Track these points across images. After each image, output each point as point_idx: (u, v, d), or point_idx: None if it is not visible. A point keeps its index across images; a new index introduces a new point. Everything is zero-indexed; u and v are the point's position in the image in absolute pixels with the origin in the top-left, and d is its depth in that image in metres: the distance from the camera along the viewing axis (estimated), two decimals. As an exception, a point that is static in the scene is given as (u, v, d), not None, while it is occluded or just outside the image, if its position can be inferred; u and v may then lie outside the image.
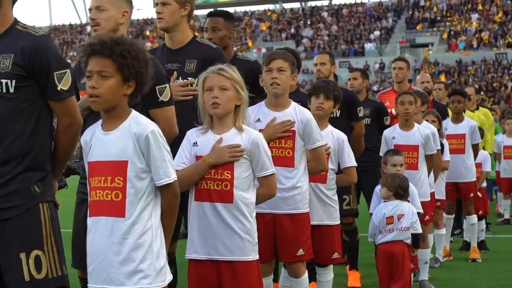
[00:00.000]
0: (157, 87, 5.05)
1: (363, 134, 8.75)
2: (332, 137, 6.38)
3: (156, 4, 5.81)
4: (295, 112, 5.76)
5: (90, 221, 3.88)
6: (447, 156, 9.59)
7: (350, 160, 6.43)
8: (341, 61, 61.99)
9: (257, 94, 6.39)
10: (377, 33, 65.48)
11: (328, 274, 6.49)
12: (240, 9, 76.43)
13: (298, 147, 5.72)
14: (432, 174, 8.58)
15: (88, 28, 76.26)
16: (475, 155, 10.59)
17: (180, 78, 5.77)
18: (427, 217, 8.23)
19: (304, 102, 7.69)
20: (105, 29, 5.16)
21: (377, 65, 60.57)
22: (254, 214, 4.76)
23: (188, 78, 5.71)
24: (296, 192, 5.70)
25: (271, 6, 76.73)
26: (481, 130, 11.25)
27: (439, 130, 9.45)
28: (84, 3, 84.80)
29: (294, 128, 5.72)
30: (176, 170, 4.67)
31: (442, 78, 55.69)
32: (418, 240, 7.23)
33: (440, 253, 9.88)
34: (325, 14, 70.74)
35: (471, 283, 8.74)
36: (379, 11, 69.08)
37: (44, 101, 4.27)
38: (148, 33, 73.74)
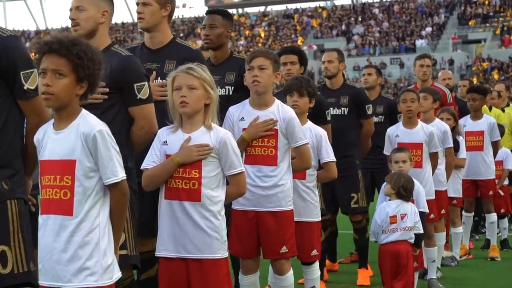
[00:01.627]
0: (135, 85, 5.10)
1: (373, 132, 8.75)
2: (310, 133, 6.39)
3: (137, 4, 5.84)
4: (278, 110, 5.80)
5: (41, 219, 3.94)
6: (462, 153, 9.50)
7: (328, 155, 6.44)
8: (392, 58, 61.74)
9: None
10: (428, 29, 64.93)
11: (313, 272, 6.51)
12: (291, 6, 76.40)
13: (281, 146, 5.76)
14: (439, 172, 8.52)
15: (141, 27, 76.88)
16: (495, 153, 10.45)
17: (159, 78, 5.79)
18: (432, 216, 8.16)
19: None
20: (85, 29, 5.19)
21: (428, 62, 59.92)
22: (223, 212, 4.79)
23: (167, 78, 5.74)
24: (279, 190, 5.74)
25: (322, 3, 76.69)
26: (501, 127, 11.08)
27: (454, 127, 9.39)
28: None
29: (276, 127, 5.75)
30: (146, 169, 4.81)
31: (495, 74, 55.09)
32: (420, 240, 7.16)
33: (457, 251, 9.79)
34: (376, 10, 70.36)
35: (482, 282, 8.66)
36: (430, 7, 68.49)
37: (13, 100, 4.37)
38: (199, 30, 74.04)
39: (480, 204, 10.81)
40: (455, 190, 9.48)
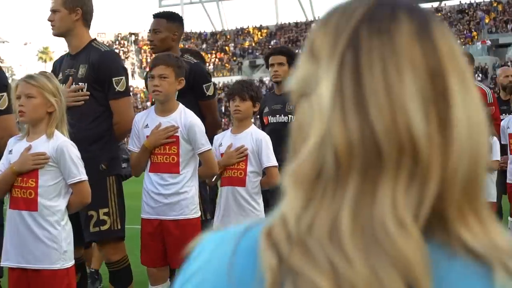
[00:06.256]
0: None
1: None
2: (250, 138, 6.15)
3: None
4: (180, 116, 5.65)
5: None
6: (496, 155, 8.92)
7: (269, 160, 6.14)
8: None
9: (198, 97, 6.31)
10: None
11: None
12: (465, 0, 74.40)
13: (183, 153, 5.61)
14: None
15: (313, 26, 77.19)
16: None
17: (74, 83, 5.78)
18: None
19: None
20: None
21: None
22: (63, 222, 4.70)
23: (79, 83, 5.74)
24: (182, 198, 5.58)
25: (497, -3, 74.25)
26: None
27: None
28: (310, 1, 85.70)
29: (177, 133, 5.60)
30: (-8, 178, 4.80)
31: None
32: None
33: (492, 259, 9.18)
34: (555, 2, 67.41)
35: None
36: None
37: None
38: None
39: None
40: (488, 194, 8.83)
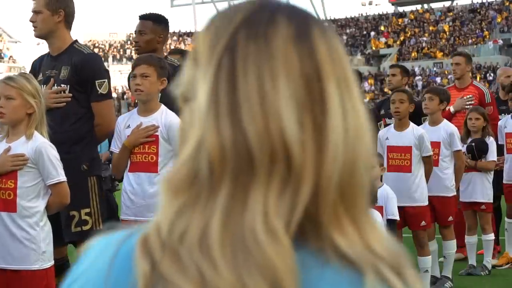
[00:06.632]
0: None
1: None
2: None
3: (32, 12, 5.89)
4: (161, 116, 5.64)
5: None
6: (492, 156, 8.90)
7: None
8: None
9: None
10: None
11: None
12: (477, 0, 74.23)
13: (162, 152, 5.59)
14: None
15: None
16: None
17: (56, 85, 5.79)
18: (423, 223, 7.71)
19: None
20: None
21: None
22: (42, 223, 4.74)
23: (62, 84, 5.74)
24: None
25: (509, -4, 74.04)
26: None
27: (484, 127, 8.86)
28: (322, 1, 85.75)
29: (157, 132, 5.59)
30: (-30, 180, 4.82)
31: None
32: None
33: (488, 260, 9.15)
34: None
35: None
36: None
37: None
38: (382, 28, 73.39)
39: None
40: (484, 195, 8.89)
